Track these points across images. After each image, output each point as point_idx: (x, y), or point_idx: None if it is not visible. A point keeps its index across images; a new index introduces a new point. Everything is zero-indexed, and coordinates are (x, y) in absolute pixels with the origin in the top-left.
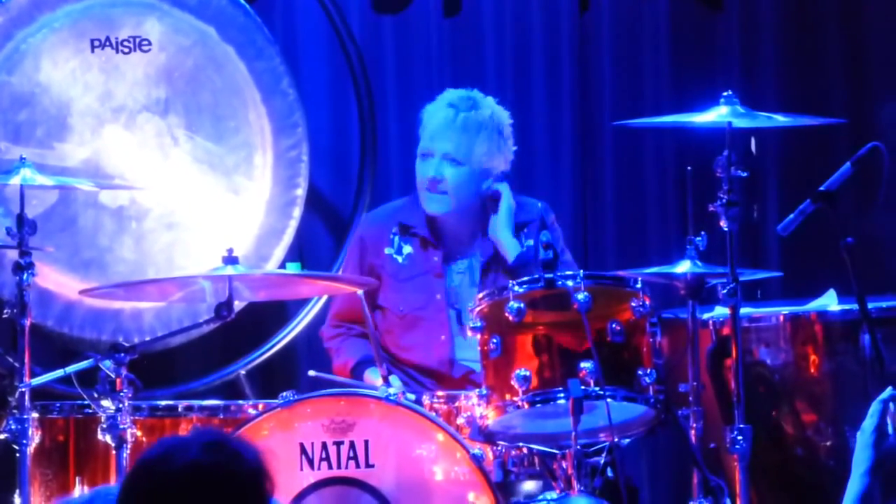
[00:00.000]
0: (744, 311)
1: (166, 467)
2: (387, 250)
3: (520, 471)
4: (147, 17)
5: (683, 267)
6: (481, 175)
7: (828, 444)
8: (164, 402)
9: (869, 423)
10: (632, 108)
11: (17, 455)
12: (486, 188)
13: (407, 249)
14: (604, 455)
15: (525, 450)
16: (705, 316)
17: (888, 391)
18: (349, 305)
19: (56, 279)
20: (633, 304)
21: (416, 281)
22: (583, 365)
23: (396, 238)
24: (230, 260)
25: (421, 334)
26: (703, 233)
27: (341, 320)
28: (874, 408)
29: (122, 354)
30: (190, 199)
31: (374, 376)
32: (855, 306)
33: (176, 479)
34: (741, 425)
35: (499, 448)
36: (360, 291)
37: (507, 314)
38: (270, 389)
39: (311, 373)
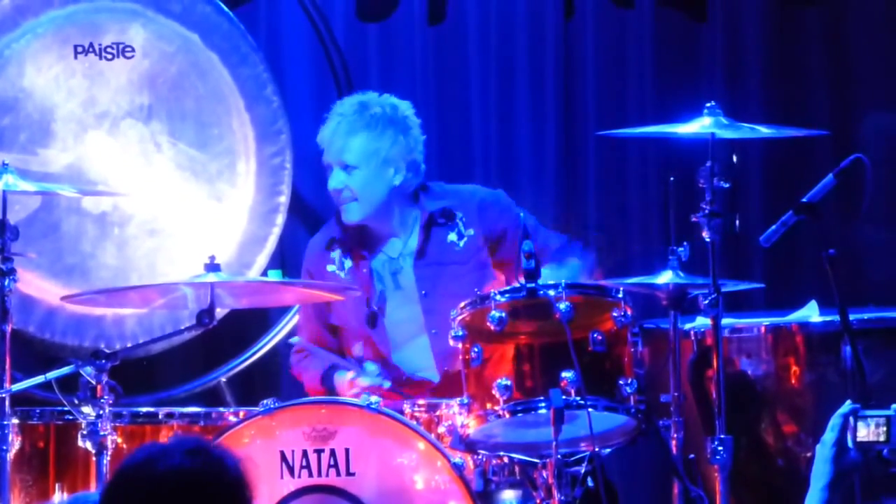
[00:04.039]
0: (725, 321)
1: (148, 473)
2: (329, 268)
3: (500, 480)
4: (131, 23)
5: (665, 277)
6: (382, 170)
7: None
8: (144, 409)
9: (829, 437)
10: (615, 118)
11: None
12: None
13: (347, 263)
14: (584, 465)
15: (506, 459)
16: (687, 326)
17: (847, 404)
18: (311, 335)
19: (38, 285)
20: (615, 314)
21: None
22: (564, 374)
23: (337, 254)
24: (212, 267)
25: (371, 349)
26: (685, 243)
27: (303, 347)
28: (834, 421)
29: (104, 361)
30: (173, 206)
31: (342, 376)
32: (836, 318)
33: (158, 485)
34: (722, 436)
35: (479, 457)
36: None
37: (488, 323)
38: (251, 397)
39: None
